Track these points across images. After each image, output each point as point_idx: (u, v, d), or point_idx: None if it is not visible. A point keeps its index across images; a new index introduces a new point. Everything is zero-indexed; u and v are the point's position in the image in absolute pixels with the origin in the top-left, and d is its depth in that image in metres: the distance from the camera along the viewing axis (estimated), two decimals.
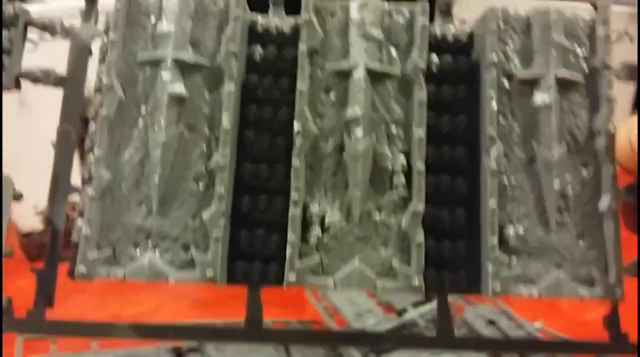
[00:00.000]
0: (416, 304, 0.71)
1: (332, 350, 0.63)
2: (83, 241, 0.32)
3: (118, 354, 0.58)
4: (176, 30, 0.36)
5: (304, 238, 0.33)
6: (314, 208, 0.34)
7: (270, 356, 0.59)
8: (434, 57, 0.36)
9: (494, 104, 0.35)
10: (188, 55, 0.35)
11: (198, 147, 0.34)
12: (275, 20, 0.39)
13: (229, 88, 0.35)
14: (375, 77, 0.35)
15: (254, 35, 0.38)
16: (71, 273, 0.34)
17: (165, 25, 0.36)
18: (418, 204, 0.33)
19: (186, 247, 0.33)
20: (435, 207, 0.34)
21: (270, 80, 0.37)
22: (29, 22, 0.39)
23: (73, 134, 0.38)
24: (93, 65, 0.40)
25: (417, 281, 0.32)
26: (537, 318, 0.67)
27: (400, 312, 0.71)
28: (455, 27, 0.39)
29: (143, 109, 0.35)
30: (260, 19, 0.39)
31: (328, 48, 0.36)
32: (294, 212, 0.33)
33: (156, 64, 0.35)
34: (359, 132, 0.34)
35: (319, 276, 0.33)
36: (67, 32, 0.40)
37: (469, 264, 0.35)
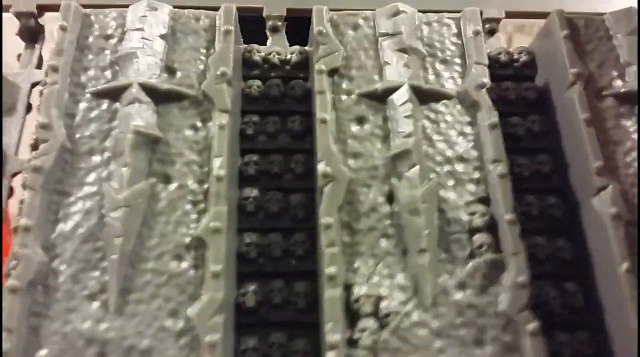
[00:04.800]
0: None
1: None
2: None
3: None
4: (144, 52, 0.26)
5: (351, 339, 0.21)
6: (361, 288, 0.22)
7: None
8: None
9: (592, 132, 0.25)
10: (161, 81, 0.25)
11: (179, 208, 0.23)
12: (276, 48, 0.29)
13: (221, 121, 0.24)
14: (423, 98, 0.25)
15: (250, 65, 0.29)
16: None
17: (130, 47, 0.26)
18: (519, 274, 0.22)
19: None
20: (534, 283, 0.23)
21: (275, 120, 0.27)
22: None
23: None
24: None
25: None
26: None
27: None
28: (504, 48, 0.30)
29: (96, 158, 0.24)
30: (256, 46, 0.29)
31: (354, 67, 0.26)
32: (332, 293, 0.21)
33: (117, 94, 0.25)
34: (414, 171, 0.23)
35: None
36: None
37: None
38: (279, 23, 0.31)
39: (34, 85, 0.30)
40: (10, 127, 0.28)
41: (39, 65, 0.31)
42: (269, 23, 0.31)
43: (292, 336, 0.23)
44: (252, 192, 0.25)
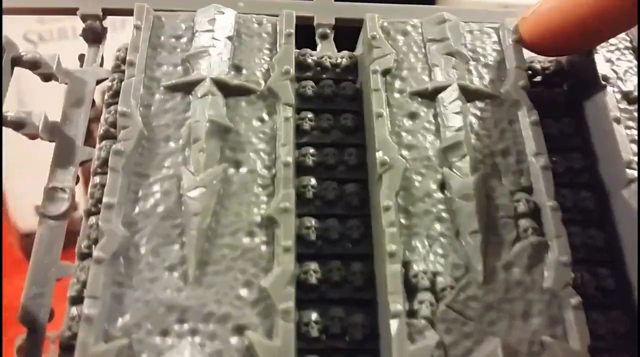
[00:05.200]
0: None
1: None
2: (85, 325, 0.21)
3: None
4: (214, 51, 0.28)
5: (411, 310, 0.23)
6: (419, 265, 0.24)
7: None
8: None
9: (621, 129, 0.27)
10: (230, 77, 0.27)
11: (249, 191, 0.25)
12: (327, 52, 0.32)
13: (286, 114, 0.26)
14: (470, 97, 0.28)
15: (302, 68, 0.31)
16: None
17: (200, 46, 0.28)
18: (562, 255, 0.24)
19: (240, 331, 0.22)
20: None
21: (329, 117, 0.29)
22: (17, 60, 0.30)
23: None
24: None
25: None
26: None
27: None
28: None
29: (172, 144, 0.26)
30: (309, 51, 0.32)
31: (405, 69, 0.29)
32: (394, 268, 0.23)
33: (190, 88, 0.27)
34: (465, 161, 0.26)
35: None
36: (65, 75, 0.31)
37: (630, 344, 0.25)
38: (328, 31, 0.33)
39: (98, 82, 0.32)
40: (77, 119, 0.30)
41: (101, 64, 0.33)
42: (319, 30, 0.33)
43: (350, 311, 0.24)
44: (310, 180, 0.27)
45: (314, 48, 0.33)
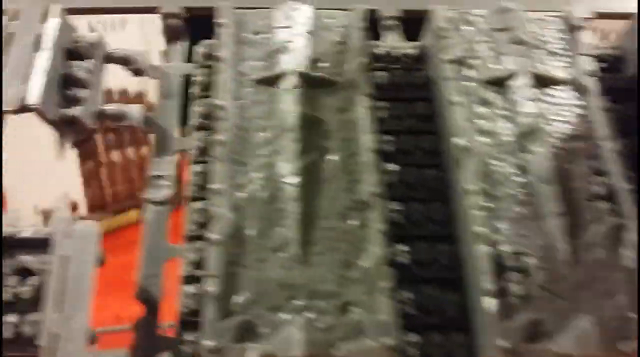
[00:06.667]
0: None
1: None
2: (208, 302, 0.23)
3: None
4: (293, 45, 0.30)
5: (502, 288, 0.25)
6: (505, 246, 0.25)
7: None
8: None
9: None
10: (315, 70, 0.29)
11: (339, 177, 0.27)
12: (394, 44, 0.34)
13: (366, 104, 0.28)
14: (541, 83, 0.29)
15: (374, 59, 0.32)
16: None
17: (281, 41, 0.30)
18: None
19: (345, 308, 0.24)
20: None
21: (403, 106, 0.31)
22: (109, 57, 0.32)
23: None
24: None
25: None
26: None
27: None
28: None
29: (265, 134, 0.28)
30: (379, 43, 0.33)
31: (473, 57, 0.30)
32: (481, 249, 0.25)
33: (275, 81, 0.29)
34: (542, 146, 0.27)
35: (536, 340, 0.24)
36: (153, 70, 0.34)
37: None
38: (395, 22, 0.35)
39: (185, 77, 0.33)
40: (171, 112, 0.32)
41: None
42: (385, 22, 0.35)
43: (441, 290, 0.26)
44: (392, 166, 0.29)
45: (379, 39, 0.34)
